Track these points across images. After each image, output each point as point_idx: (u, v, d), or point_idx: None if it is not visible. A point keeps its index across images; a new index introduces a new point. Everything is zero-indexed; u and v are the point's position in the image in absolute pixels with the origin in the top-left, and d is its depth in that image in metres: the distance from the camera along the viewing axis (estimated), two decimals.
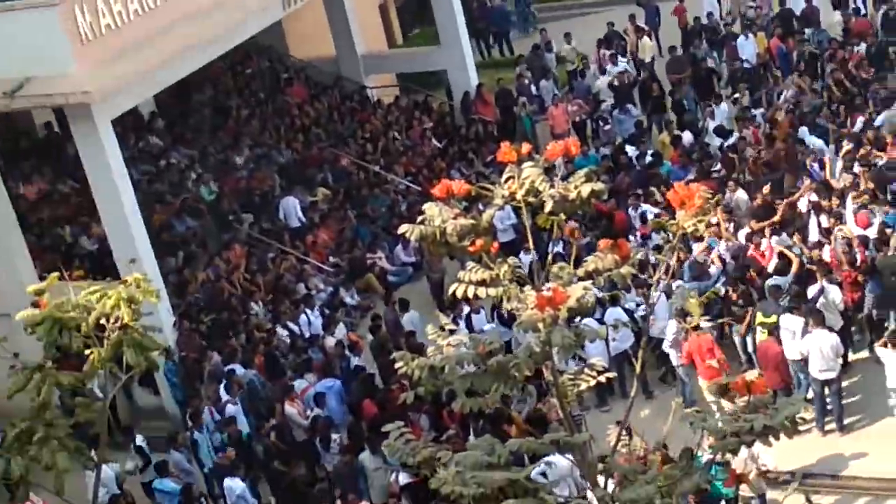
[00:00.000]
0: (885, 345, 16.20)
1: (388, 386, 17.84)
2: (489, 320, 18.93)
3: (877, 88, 23.69)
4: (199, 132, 27.00)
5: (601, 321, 16.92)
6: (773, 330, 16.63)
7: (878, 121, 22.07)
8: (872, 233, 18.23)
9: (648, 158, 23.40)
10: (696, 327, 16.50)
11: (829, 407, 16.61)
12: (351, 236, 23.78)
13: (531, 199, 7.45)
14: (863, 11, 27.79)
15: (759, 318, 17.00)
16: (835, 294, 17.02)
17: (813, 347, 16.19)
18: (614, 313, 17.42)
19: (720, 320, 17.44)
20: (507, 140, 8.00)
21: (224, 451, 17.07)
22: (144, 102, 24.30)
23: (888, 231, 18.08)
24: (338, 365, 18.96)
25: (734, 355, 17.69)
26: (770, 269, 18.18)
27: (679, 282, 17.97)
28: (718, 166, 22.32)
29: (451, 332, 7.76)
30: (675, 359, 17.47)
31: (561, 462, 11.28)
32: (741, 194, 20.47)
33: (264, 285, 21.54)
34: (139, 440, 17.91)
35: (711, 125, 24.21)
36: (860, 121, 22.25)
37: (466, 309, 18.72)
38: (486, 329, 17.68)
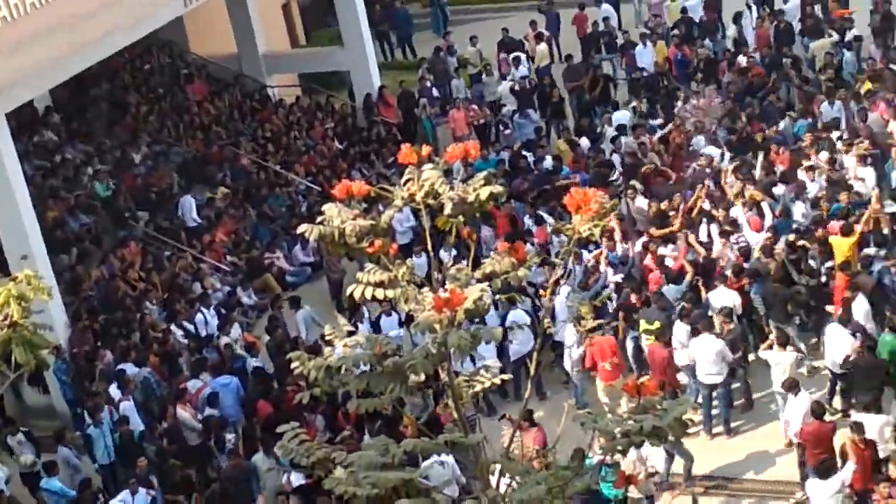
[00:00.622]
0: (770, 347, 16.59)
1: (284, 386, 17.74)
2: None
3: (773, 99, 24.22)
4: (96, 127, 26.58)
5: (503, 324, 17.09)
6: (661, 335, 16.88)
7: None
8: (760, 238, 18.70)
9: (549, 163, 23.63)
10: (592, 330, 16.78)
11: (715, 411, 16.94)
12: (249, 236, 23.61)
13: (430, 201, 7.48)
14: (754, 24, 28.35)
15: (643, 325, 17.27)
16: (727, 299, 17.37)
17: (699, 352, 16.51)
18: (516, 316, 17.55)
19: (612, 324, 17.69)
20: (408, 142, 8.02)
21: (117, 450, 16.91)
22: (39, 96, 23.87)
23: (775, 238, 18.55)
24: (233, 365, 18.79)
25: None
26: (656, 277, 18.51)
27: (566, 287, 18.21)
28: (617, 174, 22.62)
29: (350, 332, 7.77)
30: (568, 362, 17.66)
31: (449, 462, 11.45)
32: (640, 202, 20.77)
33: (160, 284, 21.28)
34: (20, 437, 17.60)
35: (609, 132, 24.54)
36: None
37: (372, 312, 18.76)
38: (393, 335, 17.59)
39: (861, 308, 16.61)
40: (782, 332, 16.72)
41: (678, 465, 16.00)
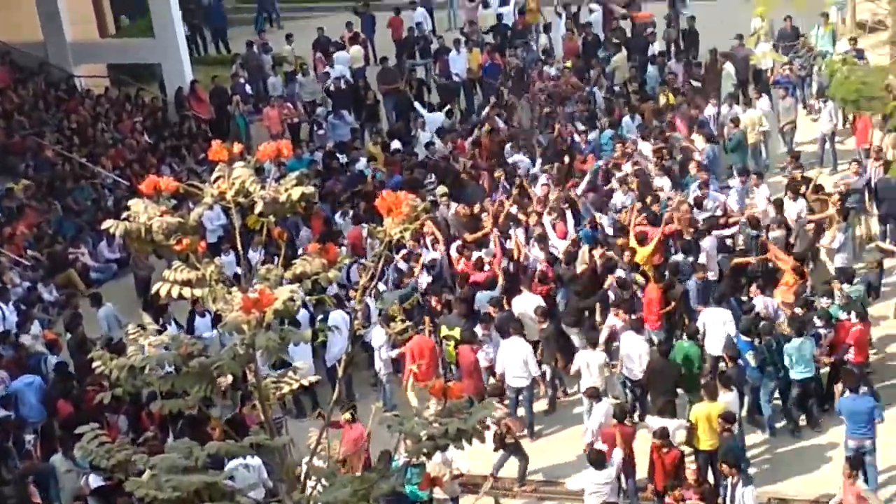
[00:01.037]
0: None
1: (84, 386, 17.22)
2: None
3: (580, 109, 24.81)
4: None
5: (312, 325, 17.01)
6: (467, 339, 17.07)
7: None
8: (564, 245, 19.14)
9: (362, 165, 23.64)
10: (402, 332, 16.82)
11: (520, 413, 17.23)
12: (53, 230, 22.85)
13: (241, 200, 7.36)
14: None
15: (444, 330, 17.44)
16: (531, 304, 17.68)
17: (506, 356, 16.77)
18: (334, 319, 17.43)
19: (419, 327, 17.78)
20: (220, 139, 7.89)
21: None
22: None
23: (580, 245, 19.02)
24: (30, 362, 18.15)
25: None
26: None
27: (381, 287, 18.27)
28: (432, 176, 22.80)
29: (159, 331, 7.58)
30: (378, 363, 17.69)
31: (255, 465, 11.29)
32: (454, 206, 20.97)
33: None
34: None
35: (422, 136, 24.73)
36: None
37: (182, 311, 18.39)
38: (207, 336, 17.29)
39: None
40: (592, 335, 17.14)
41: (482, 466, 16.18)
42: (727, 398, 15.37)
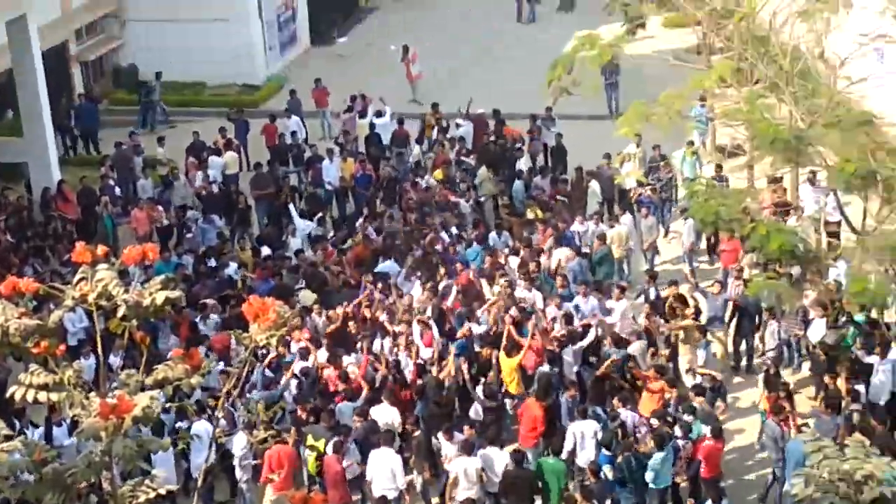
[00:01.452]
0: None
1: None
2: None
3: (451, 221, 25.14)
4: None
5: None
6: (336, 449, 16.92)
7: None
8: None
9: (232, 270, 23.47)
10: (263, 441, 16.57)
11: None
12: None
13: (104, 303, 7.24)
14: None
15: (310, 440, 17.26)
16: (388, 416, 17.69)
17: (374, 466, 16.64)
18: (197, 428, 17.11)
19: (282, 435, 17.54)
20: (87, 240, 7.78)
21: None
22: None
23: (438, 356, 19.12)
24: None
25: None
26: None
27: (250, 394, 18.07)
28: (302, 283, 22.73)
29: (7, 437, 7.35)
30: (238, 471, 17.36)
31: None
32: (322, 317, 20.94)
33: None
34: None
35: (293, 243, 24.72)
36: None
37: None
38: (67, 443, 16.74)
39: None
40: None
41: None
42: None
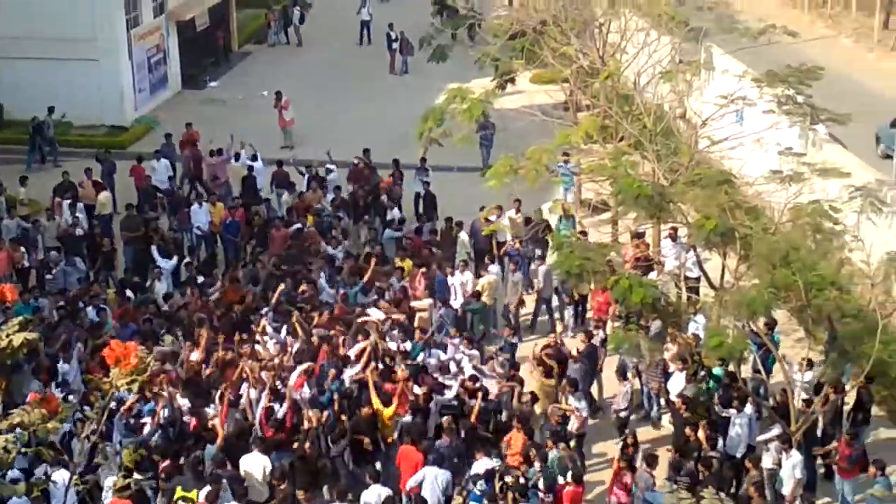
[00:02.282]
0: None
1: None
2: None
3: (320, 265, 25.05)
4: None
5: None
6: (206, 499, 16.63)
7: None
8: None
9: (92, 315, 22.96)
10: (123, 489, 16.16)
11: None
12: None
13: None
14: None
15: (179, 491, 16.87)
16: (257, 465, 17.50)
17: None
18: (57, 475, 16.54)
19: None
20: None
21: None
22: None
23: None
24: None
25: None
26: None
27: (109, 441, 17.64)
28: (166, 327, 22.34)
29: None
30: None
31: None
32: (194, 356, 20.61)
33: None
34: None
35: (158, 286, 24.31)
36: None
37: None
38: None
39: None
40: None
41: None
42: None
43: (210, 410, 18.97)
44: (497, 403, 19.35)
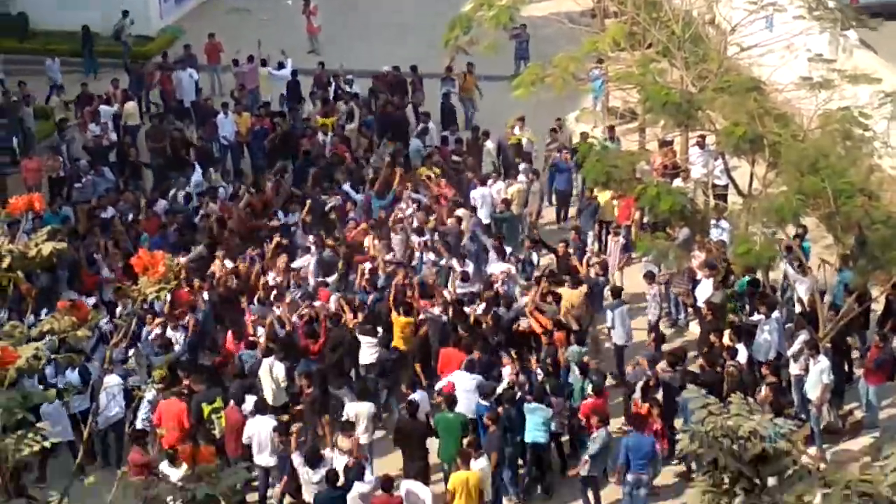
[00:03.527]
0: None
1: None
2: None
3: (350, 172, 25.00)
4: None
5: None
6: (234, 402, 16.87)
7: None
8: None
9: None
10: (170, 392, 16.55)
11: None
12: None
13: None
14: None
15: (206, 409, 17.06)
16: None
17: (253, 434, 16.56)
18: (109, 381, 16.94)
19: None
20: None
21: None
22: None
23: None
24: None
25: None
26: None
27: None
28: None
29: None
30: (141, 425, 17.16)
31: None
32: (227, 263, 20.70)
33: None
34: None
35: (181, 195, 24.35)
36: None
37: None
38: None
39: None
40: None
41: None
42: (480, 464, 15.53)
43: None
44: (520, 311, 19.38)
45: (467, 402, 16.93)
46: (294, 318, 18.93)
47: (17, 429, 7.06)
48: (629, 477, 15.97)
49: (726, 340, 18.18)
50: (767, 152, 18.47)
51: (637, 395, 17.14)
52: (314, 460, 15.62)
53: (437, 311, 19.01)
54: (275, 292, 19.64)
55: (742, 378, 17.26)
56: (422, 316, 18.88)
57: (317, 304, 19.31)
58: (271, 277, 20.33)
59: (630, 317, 19.89)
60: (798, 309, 19.15)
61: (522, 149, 25.85)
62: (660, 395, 16.92)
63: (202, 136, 27.68)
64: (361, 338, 18.46)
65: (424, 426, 16.64)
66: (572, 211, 24.66)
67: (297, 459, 15.84)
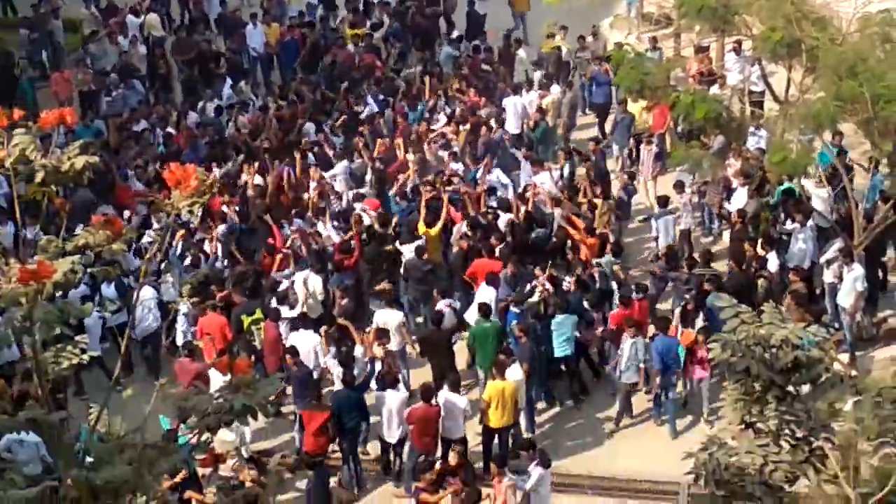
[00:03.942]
0: None
1: None
2: None
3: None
4: None
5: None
6: (270, 316, 17.11)
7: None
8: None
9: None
10: (204, 306, 16.76)
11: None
12: None
13: (21, 168, 7.06)
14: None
15: (245, 318, 17.31)
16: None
17: (300, 343, 16.65)
18: (106, 292, 17.20)
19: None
20: (5, 104, 7.54)
21: None
22: None
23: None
24: None
25: None
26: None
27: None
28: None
29: None
30: (181, 341, 17.41)
31: (31, 440, 11.00)
32: (257, 179, 20.77)
33: None
34: None
35: (212, 108, 24.35)
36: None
37: None
38: None
39: None
40: None
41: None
42: (515, 374, 15.68)
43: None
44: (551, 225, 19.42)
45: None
46: (332, 233, 19.08)
47: (56, 342, 7.21)
48: (659, 380, 16.31)
49: (759, 250, 18.14)
50: (805, 57, 18.21)
51: (676, 320, 17.03)
52: (347, 362, 15.94)
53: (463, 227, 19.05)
54: (316, 207, 19.78)
55: (772, 287, 17.27)
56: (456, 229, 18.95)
57: (359, 210, 19.40)
58: (311, 191, 20.38)
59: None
60: (833, 216, 19.03)
61: (561, 58, 25.57)
62: (701, 320, 16.82)
63: (231, 48, 27.58)
64: (402, 248, 18.62)
65: (449, 334, 16.86)
66: (608, 126, 24.45)
67: (330, 361, 16.13)
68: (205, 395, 6.67)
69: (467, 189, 19.87)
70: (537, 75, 24.76)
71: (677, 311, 17.14)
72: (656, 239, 19.89)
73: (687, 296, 17.40)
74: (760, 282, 17.37)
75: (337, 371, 16.01)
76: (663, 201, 19.97)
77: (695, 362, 16.63)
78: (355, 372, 15.96)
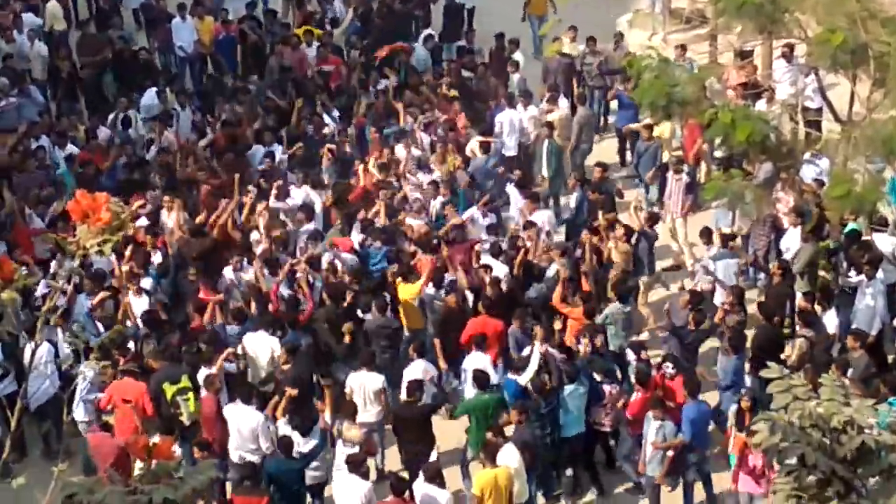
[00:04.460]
0: None
1: None
2: None
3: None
4: None
5: None
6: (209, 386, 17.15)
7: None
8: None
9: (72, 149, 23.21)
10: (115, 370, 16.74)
11: None
12: None
13: None
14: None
15: (167, 387, 17.23)
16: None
17: (235, 423, 16.77)
18: (41, 350, 17.17)
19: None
20: None
21: None
22: None
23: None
24: None
25: None
26: None
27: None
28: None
29: None
30: (82, 413, 17.39)
31: None
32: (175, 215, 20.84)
33: None
34: None
35: (137, 118, 24.41)
36: None
37: None
38: None
39: None
40: None
41: None
42: (510, 458, 15.63)
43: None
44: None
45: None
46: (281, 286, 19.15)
47: None
48: (691, 457, 16.37)
49: (802, 303, 18.15)
50: (873, 66, 18.37)
51: (731, 421, 16.85)
52: (305, 428, 16.18)
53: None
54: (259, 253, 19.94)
55: (812, 353, 17.18)
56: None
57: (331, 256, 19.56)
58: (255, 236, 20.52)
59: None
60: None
61: (573, 67, 25.70)
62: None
63: (154, 47, 27.68)
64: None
65: (427, 410, 16.87)
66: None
67: (284, 428, 16.25)
68: (117, 487, 6.64)
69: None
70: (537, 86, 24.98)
71: (731, 409, 16.93)
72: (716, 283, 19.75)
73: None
74: (799, 342, 17.35)
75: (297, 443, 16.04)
76: (725, 240, 19.96)
77: (746, 472, 16.14)
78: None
